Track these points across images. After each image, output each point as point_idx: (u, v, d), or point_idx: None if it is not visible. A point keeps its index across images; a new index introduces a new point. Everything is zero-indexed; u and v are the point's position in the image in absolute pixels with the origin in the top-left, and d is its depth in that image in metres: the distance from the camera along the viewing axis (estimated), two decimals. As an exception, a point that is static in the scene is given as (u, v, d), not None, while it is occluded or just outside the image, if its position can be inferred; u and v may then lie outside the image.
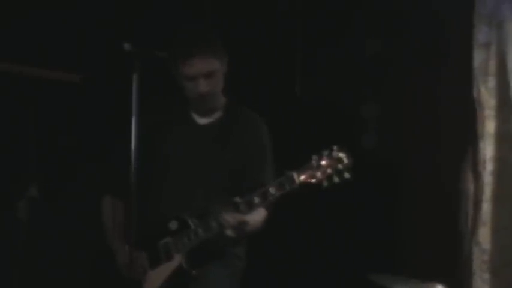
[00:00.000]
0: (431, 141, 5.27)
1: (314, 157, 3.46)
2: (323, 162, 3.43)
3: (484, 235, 4.95)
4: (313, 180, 3.45)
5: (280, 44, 5.57)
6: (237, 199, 3.50)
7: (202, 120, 3.91)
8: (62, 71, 4.70)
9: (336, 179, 3.43)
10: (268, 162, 3.86)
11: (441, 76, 5.20)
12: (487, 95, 4.96)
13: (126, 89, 3.42)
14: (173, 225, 3.68)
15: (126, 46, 3.41)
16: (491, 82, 4.96)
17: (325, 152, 3.46)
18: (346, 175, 3.43)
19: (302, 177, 3.45)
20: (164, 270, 3.69)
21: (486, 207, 4.94)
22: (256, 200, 3.50)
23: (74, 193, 4.91)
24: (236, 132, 3.85)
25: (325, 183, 3.44)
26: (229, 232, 3.51)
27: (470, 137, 5.03)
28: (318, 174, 3.42)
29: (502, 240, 4.90)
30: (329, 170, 3.42)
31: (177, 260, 3.66)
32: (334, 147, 3.46)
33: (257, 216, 3.62)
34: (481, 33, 4.96)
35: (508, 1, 4.83)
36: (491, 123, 4.95)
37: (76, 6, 4.86)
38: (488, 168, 4.94)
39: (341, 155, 3.44)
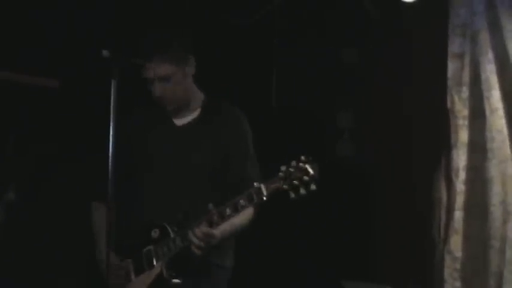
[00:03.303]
0: (406, 150, 5.34)
1: (282, 168, 3.43)
2: (290, 174, 3.40)
3: (456, 243, 5.00)
4: (282, 189, 3.43)
5: (256, 54, 5.61)
6: (211, 207, 3.50)
7: (179, 122, 3.93)
8: (41, 76, 4.69)
9: (302, 191, 3.38)
10: (250, 154, 3.88)
11: (415, 86, 5.28)
12: (460, 104, 5.04)
13: (105, 94, 3.43)
14: (155, 233, 3.70)
15: (105, 53, 3.43)
16: (465, 92, 5.03)
17: (293, 163, 3.42)
18: (312, 187, 3.38)
19: (270, 189, 3.44)
20: (146, 278, 3.69)
21: (458, 215, 5.00)
22: (228, 211, 3.51)
23: (51, 196, 4.90)
24: (213, 130, 3.87)
25: (292, 195, 3.40)
26: (194, 249, 3.52)
27: (444, 146, 5.09)
28: (285, 186, 3.39)
29: (473, 249, 4.96)
30: (295, 182, 3.39)
31: (158, 268, 3.67)
32: (302, 158, 3.42)
33: (241, 217, 3.64)
34: (455, 44, 5.05)
35: (481, 13, 4.92)
36: (464, 133, 5.02)
37: (57, 13, 4.87)
38: (460, 177, 5.01)
39: (307, 166, 3.38)
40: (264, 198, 3.42)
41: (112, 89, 3.43)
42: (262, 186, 3.43)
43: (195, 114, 3.94)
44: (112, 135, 3.43)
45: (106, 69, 3.44)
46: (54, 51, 4.86)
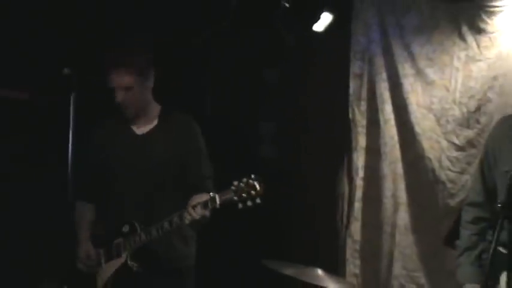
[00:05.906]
0: (316, 153, 5.76)
1: (235, 182, 3.68)
2: (241, 188, 3.65)
3: (356, 229, 5.53)
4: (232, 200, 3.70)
5: (195, 73, 5.95)
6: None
7: (139, 131, 4.16)
8: (15, 90, 5.07)
9: (249, 203, 3.66)
10: (203, 154, 4.16)
11: (324, 100, 5.71)
12: (359, 116, 5.57)
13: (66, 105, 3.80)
14: (125, 228, 4.02)
15: (66, 70, 3.78)
16: (363, 105, 5.56)
17: (244, 179, 3.67)
18: (257, 200, 3.66)
19: (222, 199, 3.72)
20: (114, 265, 4.06)
21: (358, 206, 5.52)
22: (166, 225, 3.91)
23: (26, 193, 5.17)
24: (171, 137, 4.09)
25: (240, 205, 3.68)
26: (188, 217, 3.82)
27: (346, 149, 5.59)
28: (235, 197, 3.66)
29: (370, 233, 5.49)
30: (244, 195, 3.65)
31: (124, 257, 4.02)
32: (252, 176, 3.67)
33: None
34: (355, 66, 5.59)
35: (377, 40, 5.47)
36: (363, 139, 5.55)
37: (27, 35, 5.17)
38: (360, 175, 5.54)
39: (255, 183, 3.66)
40: (217, 206, 3.74)
41: (71, 101, 3.77)
42: (217, 197, 3.73)
43: (153, 123, 4.17)
44: (71, 141, 3.76)
45: (67, 84, 3.75)
46: (27, 70, 5.12)
